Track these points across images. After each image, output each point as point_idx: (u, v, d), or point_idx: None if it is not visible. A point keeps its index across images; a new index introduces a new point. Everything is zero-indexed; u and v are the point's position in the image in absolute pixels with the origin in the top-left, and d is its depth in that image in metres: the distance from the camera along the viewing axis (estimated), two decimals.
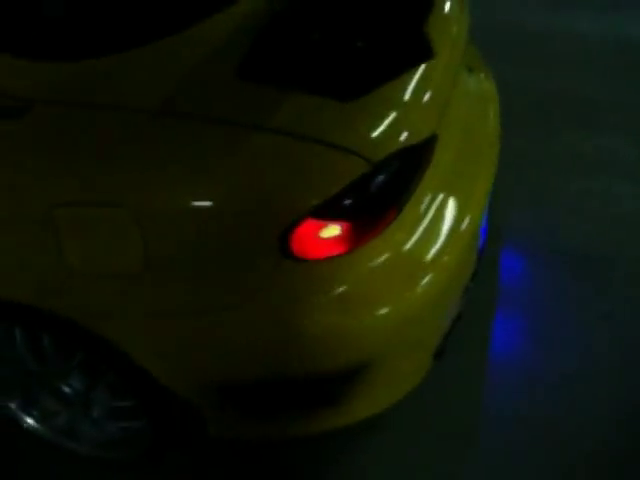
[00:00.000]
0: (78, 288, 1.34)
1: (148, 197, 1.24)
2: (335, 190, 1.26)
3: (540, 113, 2.97)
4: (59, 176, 1.26)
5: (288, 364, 1.42)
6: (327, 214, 1.29)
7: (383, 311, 1.41)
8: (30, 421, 1.82)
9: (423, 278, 1.45)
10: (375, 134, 1.29)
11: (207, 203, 1.24)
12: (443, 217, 1.53)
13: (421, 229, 1.48)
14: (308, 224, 1.29)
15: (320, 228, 1.31)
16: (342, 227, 1.33)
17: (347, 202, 1.30)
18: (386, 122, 1.31)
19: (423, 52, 1.12)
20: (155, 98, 1.27)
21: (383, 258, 1.41)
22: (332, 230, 1.33)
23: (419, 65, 1.14)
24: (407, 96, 1.33)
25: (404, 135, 1.33)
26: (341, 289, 1.39)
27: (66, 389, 1.68)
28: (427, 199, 1.50)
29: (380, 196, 1.35)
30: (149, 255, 1.28)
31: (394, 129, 1.32)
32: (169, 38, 1.33)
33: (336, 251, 1.35)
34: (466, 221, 1.56)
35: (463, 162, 1.64)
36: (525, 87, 2.99)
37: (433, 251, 1.47)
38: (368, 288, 1.41)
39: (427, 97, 1.40)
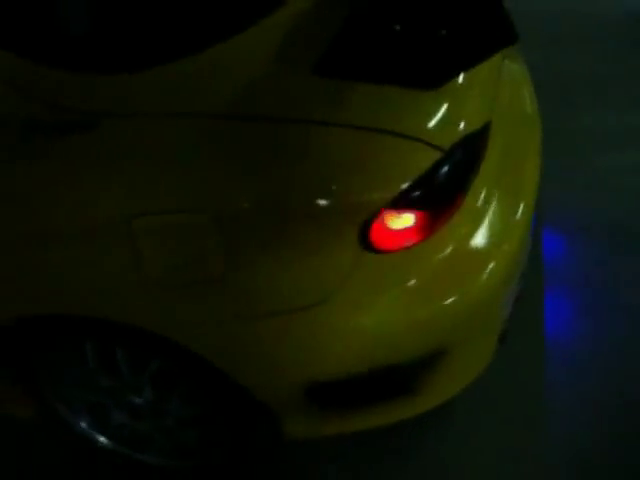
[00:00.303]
0: (156, 298, 1.35)
1: (228, 200, 1.24)
2: (410, 180, 1.28)
3: (558, 92, 2.98)
4: (136, 186, 1.27)
5: (373, 356, 1.43)
6: (403, 204, 1.30)
7: (453, 299, 1.44)
8: (103, 439, 1.82)
9: (487, 266, 1.47)
10: (444, 122, 1.30)
11: (285, 203, 1.25)
12: (499, 206, 1.55)
13: (480, 219, 1.50)
14: (385, 215, 1.30)
15: (396, 218, 1.32)
16: (416, 216, 1.34)
17: (421, 191, 1.31)
18: (453, 110, 1.32)
19: (504, 36, 1.13)
20: (225, 102, 1.27)
21: (449, 248, 1.44)
22: (407, 220, 1.34)
23: (500, 50, 1.15)
24: (471, 83, 1.34)
25: (468, 122, 1.35)
26: (415, 279, 1.41)
27: (138, 401, 1.68)
28: (482, 188, 1.52)
29: (449, 184, 1.37)
30: (229, 259, 1.29)
31: (460, 117, 1.33)
32: (223, 43, 1.33)
33: (411, 241, 1.37)
34: (520, 209, 1.58)
35: (511, 149, 1.66)
36: (537, 67, 3.01)
37: (493, 240, 1.50)
38: (438, 277, 1.43)
39: (484, 83, 1.42)
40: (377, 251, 1.33)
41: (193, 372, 1.51)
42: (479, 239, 1.49)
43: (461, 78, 1.30)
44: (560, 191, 2.48)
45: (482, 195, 1.51)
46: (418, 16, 1.14)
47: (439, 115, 1.30)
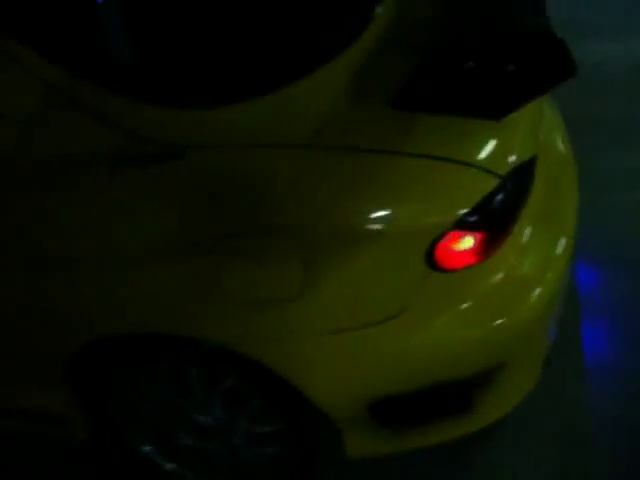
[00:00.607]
0: (235, 315, 1.46)
1: (307, 223, 1.36)
2: (471, 205, 1.40)
3: (579, 132, 3.12)
4: (222, 211, 1.39)
5: (433, 371, 1.52)
6: (464, 228, 1.42)
7: (505, 319, 1.55)
8: (167, 462, 1.90)
9: (533, 292, 1.59)
10: (500, 152, 1.43)
11: (362, 225, 1.37)
12: (543, 238, 1.66)
13: (526, 249, 1.61)
14: (449, 237, 1.41)
15: (458, 240, 1.43)
16: (475, 239, 1.45)
17: (479, 216, 1.42)
18: (508, 141, 1.45)
19: (565, 69, 1.26)
20: (305, 134, 1.40)
21: (500, 274, 1.55)
22: (467, 242, 1.45)
23: (562, 82, 1.28)
24: (522, 116, 1.47)
25: (519, 153, 1.48)
26: (472, 299, 1.53)
27: (206, 421, 1.76)
28: (528, 220, 1.63)
29: (503, 210, 1.49)
30: (307, 278, 1.40)
31: (513, 147, 1.47)
32: (303, 80, 1.47)
33: (470, 261, 1.48)
34: (562, 241, 1.70)
35: (552, 186, 1.77)
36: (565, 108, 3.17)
37: (539, 269, 1.62)
38: (492, 299, 1.55)
39: (532, 117, 1.56)
40: (441, 270, 1.44)
41: (265, 389, 1.60)
42: (526, 267, 1.61)
43: (523, 110, 1.43)
44: (591, 224, 2.59)
45: (528, 226, 1.62)
46: (489, 54, 1.28)
47: (497, 145, 1.43)
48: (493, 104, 1.30)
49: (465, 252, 1.46)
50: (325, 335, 1.46)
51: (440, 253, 1.42)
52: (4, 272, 1.58)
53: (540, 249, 1.65)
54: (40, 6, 1.51)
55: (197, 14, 1.56)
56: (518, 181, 1.50)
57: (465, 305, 1.52)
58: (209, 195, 1.41)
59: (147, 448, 1.90)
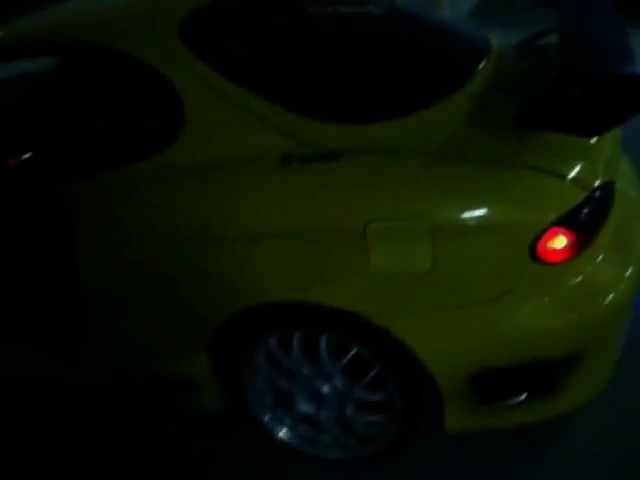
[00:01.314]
0: (373, 287, 1.82)
1: (440, 214, 1.75)
2: (566, 209, 1.76)
3: None
4: (371, 200, 1.79)
5: (530, 349, 1.85)
6: (561, 227, 1.78)
7: (586, 312, 1.87)
8: (283, 432, 2.22)
9: (609, 295, 1.91)
10: (590, 168, 1.82)
11: (481, 221, 1.74)
12: (616, 255, 1.99)
13: (601, 265, 1.93)
14: (549, 234, 1.77)
15: (555, 238, 1.79)
16: (569, 238, 1.81)
17: (572, 220, 1.78)
18: (596, 159, 1.86)
19: None
20: (437, 145, 1.81)
21: (581, 276, 1.89)
22: (561, 241, 1.80)
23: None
24: (606, 139, 1.88)
25: (603, 172, 1.86)
26: (561, 290, 1.86)
27: (326, 389, 2.09)
28: (602, 248, 1.96)
29: (590, 218, 1.84)
30: (435, 258, 1.76)
31: (599, 165, 1.86)
32: (447, 98, 1.95)
33: (564, 258, 1.83)
34: (630, 269, 1.99)
35: (624, 223, 2.10)
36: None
37: (612, 280, 1.94)
38: (575, 293, 1.87)
39: (613, 142, 1.98)
40: (541, 262, 1.79)
41: (386, 359, 1.94)
42: (601, 277, 1.93)
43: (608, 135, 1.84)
44: None
45: (602, 252, 1.94)
46: (593, 85, 1.69)
47: (589, 161, 1.82)
48: (590, 124, 1.70)
49: (559, 250, 1.81)
50: (447, 309, 1.81)
51: (540, 247, 1.78)
52: (175, 246, 1.98)
53: (612, 269, 1.97)
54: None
55: (362, 59, 2.10)
56: (602, 197, 1.87)
57: (556, 294, 1.84)
58: (359, 187, 1.81)
59: (267, 417, 2.22)
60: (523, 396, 1.95)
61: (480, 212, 1.75)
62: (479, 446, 2.24)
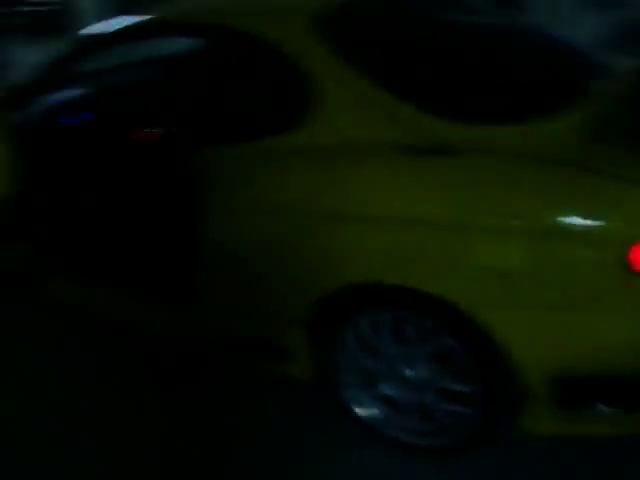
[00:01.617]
0: (477, 281, 1.91)
1: (550, 218, 1.83)
2: None
3: None
4: (492, 197, 1.89)
5: (616, 360, 1.89)
6: None
7: None
8: (360, 409, 2.32)
9: None
10: None
11: (585, 229, 1.81)
12: None
13: None
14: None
15: None
16: None
17: None
18: None
19: None
20: (557, 152, 1.90)
21: None
22: None
23: None
24: None
25: None
26: None
27: (410, 374, 2.19)
28: None
29: None
30: (536, 260, 1.85)
31: None
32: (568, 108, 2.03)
33: None
34: None
35: None
36: None
37: None
38: None
39: None
40: (633, 273, 1.83)
41: (476, 351, 2.01)
42: None
43: None
44: None
45: None
46: None
47: None
48: None
49: None
50: (541, 309, 1.88)
51: (632, 258, 1.82)
52: (294, 218, 2.14)
53: None
54: None
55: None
56: None
57: None
58: (476, 183, 1.92)
59: (349, 393, 2.34)
60: (607, 407, 1.99)
61: (586, 220, 1.81)
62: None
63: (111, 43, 2.71)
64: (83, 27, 3.05)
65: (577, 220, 1.81)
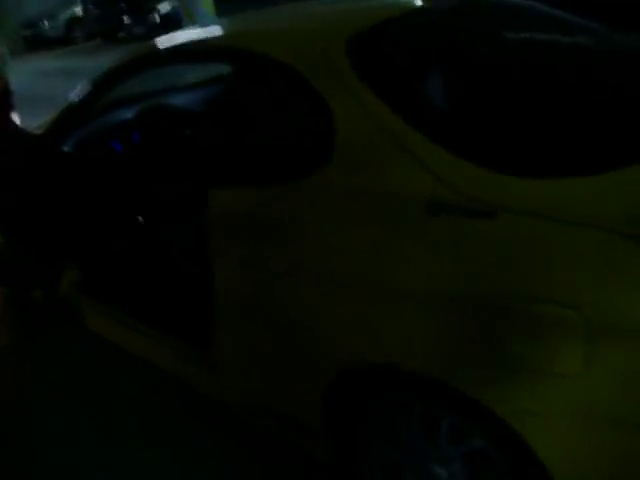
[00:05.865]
0: (509, 380, 1.51)
1: (605, 308, 1.40)
2: None
3: None
4: (529, 275, 1.48)
5: None
6: None
7: None
8: None
9: None
10: None
11: None
12: None
13: None
14: None
15: None
16: None
17: None
18: None
19: None
20: (616, 219, 1.45)
21: None
22: None
23: None
24: None
25: None
26: None
27: (440, 472, 1.80)
28: None
29: None
30: (589, 360, 1.41)
31: None
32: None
33: None
34: None
35: None
36: None
37: None
38: None
39: None
40: None
41: (509, 457, 1.61)
42: None
43: None
44: None
45: None
46: None
47: None
48: None
49: None
50: (590, 422, 1.45)
51: None
52: (302, 279, 1.85)
53: None
54: None
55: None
56: None
57: None
58: (509, 257, 1.51)
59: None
60: None
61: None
62: None
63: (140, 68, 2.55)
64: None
65: None
